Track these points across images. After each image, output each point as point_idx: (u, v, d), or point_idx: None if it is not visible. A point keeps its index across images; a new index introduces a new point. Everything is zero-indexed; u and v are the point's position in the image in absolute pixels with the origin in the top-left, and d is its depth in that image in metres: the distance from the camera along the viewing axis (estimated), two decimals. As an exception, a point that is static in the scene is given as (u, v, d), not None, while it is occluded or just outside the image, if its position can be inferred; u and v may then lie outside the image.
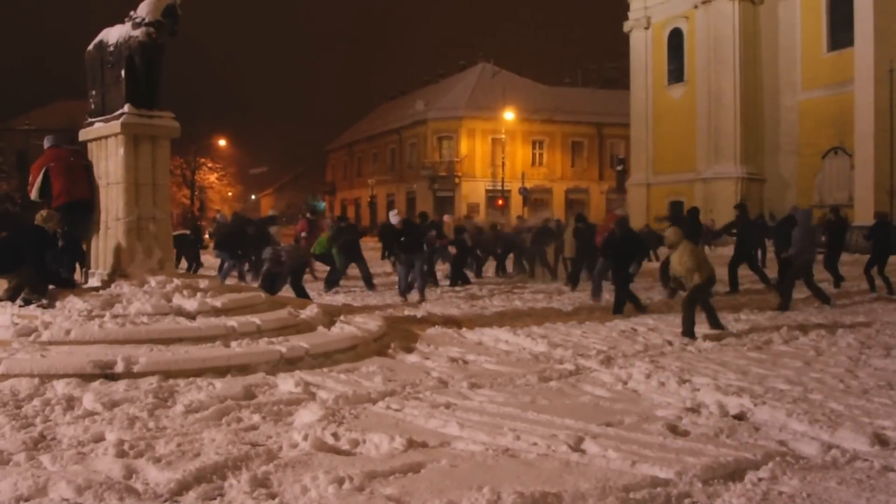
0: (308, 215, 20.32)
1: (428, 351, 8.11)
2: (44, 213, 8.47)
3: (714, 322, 9.42)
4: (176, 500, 3.88)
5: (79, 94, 28.71)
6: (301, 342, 7.54)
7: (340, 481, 4.02)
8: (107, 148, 8.89)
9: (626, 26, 41.14)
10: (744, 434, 5.08)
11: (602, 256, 12.48)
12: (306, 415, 5.39)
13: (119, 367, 6.39)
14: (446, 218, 15.33)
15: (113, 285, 8.33)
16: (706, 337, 8.91)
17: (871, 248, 14.23)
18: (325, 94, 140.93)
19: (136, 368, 6.41)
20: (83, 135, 9.34)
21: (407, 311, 11.54)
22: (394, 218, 14.20)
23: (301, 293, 12.37)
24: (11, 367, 6.30)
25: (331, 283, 15.07)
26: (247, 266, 16.27)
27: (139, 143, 8.73)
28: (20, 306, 7.82)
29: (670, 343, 8.64)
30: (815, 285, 12.19)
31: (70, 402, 5.61)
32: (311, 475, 4.13)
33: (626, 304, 11.29)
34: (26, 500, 3.84)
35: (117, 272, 8.62)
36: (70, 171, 9.03)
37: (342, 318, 9.15)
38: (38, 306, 7.78)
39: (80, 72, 9.53)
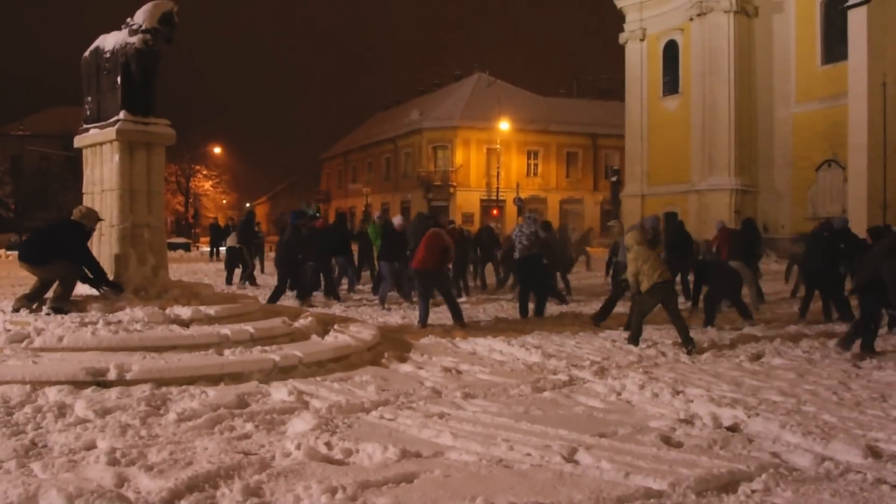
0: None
1: (422, 360, 8.09)
2: (82, 208, 8.44)
3: (685, 339, 8.95)
4: (167, 508, 3.86)
5: (73, 100, 28.73)
6: (294, 351, 7.52)
7: (333, 491, 4.01)
8: (102, 154, 8.89)
9: (622, 38, 41.26)
10: (737, 446, 5.08)
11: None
12: (299, 424, 5.37)
13: (111, 375, 6.36)
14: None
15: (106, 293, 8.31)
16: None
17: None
18: (321, 102, 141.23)
19: (128, 376, 6.38)
20: (78, 141, 9.33)
21: (399, 321, 11.52)
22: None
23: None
24: (3, 374, 6.26)
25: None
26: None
27: (134, 149, 8.73)
28: (47, 314, 7.76)
29: (664, 354, 8.65)
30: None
31: (62, 410, 5.58)
32: (303, 484, 4.11)
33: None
34: (16, 508, 3.81)
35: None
36: None
37: (336, 327, 9.14)
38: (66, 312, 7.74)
39: (74, 78, 9.54)
